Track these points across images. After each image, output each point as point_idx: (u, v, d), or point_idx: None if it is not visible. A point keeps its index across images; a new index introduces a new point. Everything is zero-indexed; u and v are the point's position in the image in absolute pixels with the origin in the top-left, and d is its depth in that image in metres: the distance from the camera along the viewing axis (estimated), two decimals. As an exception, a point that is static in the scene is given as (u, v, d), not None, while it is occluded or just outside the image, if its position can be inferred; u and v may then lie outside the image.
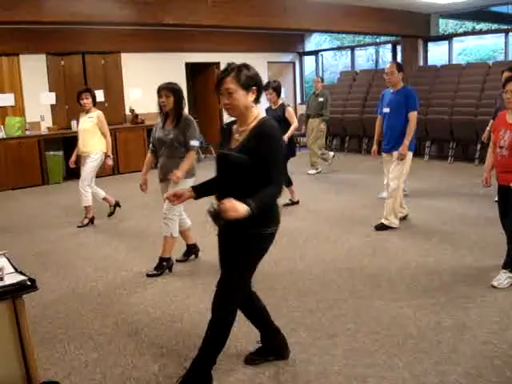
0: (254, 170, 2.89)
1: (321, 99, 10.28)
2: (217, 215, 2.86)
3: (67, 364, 3.52)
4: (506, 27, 13.06)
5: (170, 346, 3.70)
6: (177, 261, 5.43)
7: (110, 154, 7.12)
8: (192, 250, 5.58)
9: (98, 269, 5.41)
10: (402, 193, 6.45)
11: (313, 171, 10.41)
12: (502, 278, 4.51)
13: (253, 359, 3.43)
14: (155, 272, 5.14)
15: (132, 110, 11.83)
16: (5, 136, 10.15)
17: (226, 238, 3.13)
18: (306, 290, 4.62)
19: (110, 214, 7.50)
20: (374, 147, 6.85)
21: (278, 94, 7.49)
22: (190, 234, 5.54)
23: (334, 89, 14.27)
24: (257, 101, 2.99)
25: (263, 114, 3.06)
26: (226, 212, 2.65)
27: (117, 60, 11.97)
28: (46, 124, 11.07)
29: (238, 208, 2.66)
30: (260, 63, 14.05)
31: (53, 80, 11.14)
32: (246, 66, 2.94)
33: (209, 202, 2.98)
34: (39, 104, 10.97)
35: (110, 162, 7.14)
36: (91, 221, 7.24)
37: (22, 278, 2.37)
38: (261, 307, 3.40)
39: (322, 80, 10.82)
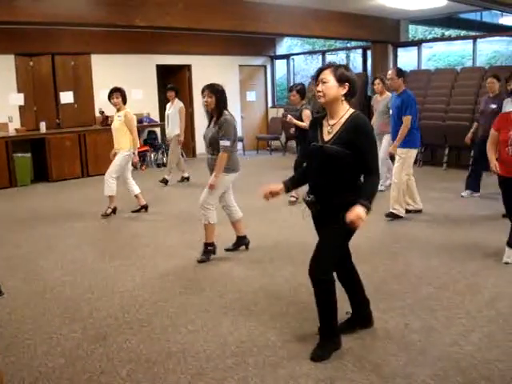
0: (349, 161, 3.23)
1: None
2: (314, 203, 3.39)
3: (34, 369, 3.47)
4: (474, 34, 13.32)
5: (138, 351, 3.67)
6: (225, 250, 5.71)
7: (135, 151, 7.54)
8: (241, 242, 5.81)
9: (67, 273, 5.34)
10: (404, 186, 6.89)
11: None
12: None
13: (343, 329, 3.68)
14: (204, 257, 5.48)
15: (102, 112, 11.71)
16: (-29, 137, 9.97)
17: (323, 218, 3.45)
18: (276, 293, 4.62)
19: (135, 211, 7.78)
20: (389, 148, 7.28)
21: (302, 96, 7.82)
22: (240, 226, 5.77)
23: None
24: (348, 97, 3.30)
25: (353, 109, 3.33)
26: (355, 224, 3.09)
27: (87, 61, 11.83)
28: (14, 125, 10.88)
29: (361, 215, 3.07)
30: (231, 66, 14.08)
31: (21, 81, 10.96)
32: (345, 67, 3.33)
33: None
34: (7, 105, 10.77)
35: (134, 159, 7.60)
36: (113, 211, 7.63)
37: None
38: (357, 279, 3.82)
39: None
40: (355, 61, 17.10)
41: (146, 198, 7.98)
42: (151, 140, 12.68)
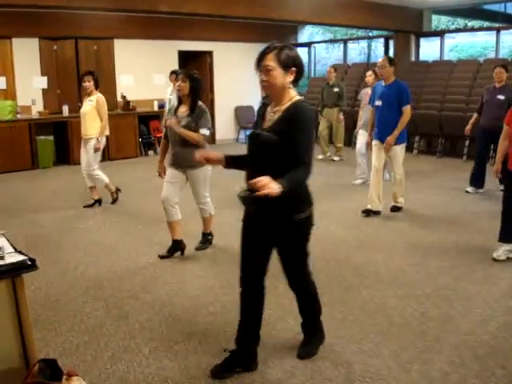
0: (284, 151, 2.86)
1: (336, 89, 10.44)
2: (249, 200, 2.85)
3: (59, 346, 3.58)
4: (497, 25, 13.18)
5: (159, 330, 3.76)
6: (160, 257, 5.29)
7: (100, 137, 7.16)
8: (177, 247, 5.34)
9: (89, 253, 5.46)
10: (404, 181, 6.76)
11: (337, 158, 10.88)
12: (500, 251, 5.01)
13: (219, 372, 3.20)
14: (202, 245, 5.53)
15: (123, 97, 11.81)
16: (-4, 119, 10.12)
17: (260, 222, 3.07)
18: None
19: (113, 202, 7.52)
20: (368, 139, 6.98)
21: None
22: (178, 229, 5.30)
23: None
24: (295, 83, 2.97)
25: (299, 97, 3.00)
26: (260, 188, 2.60)
27: (109, 46, 11.91)
28: (37, 108, 11.01)
29: (271, 185, 2.61)
30: (253, 53, 13.91)
31: (45, 64, 11.08)
32: (288, 47, 2.93)
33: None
34: (31, 88, 10.90)
35: (97, 144, 7.13)
36: (116, 193, 7.51)
37: (22, 257, 2.42)
38: (262, 305, 3.29)
39: (335, 70, 10.90)
40: (377, 50, 17.03)
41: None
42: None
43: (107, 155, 11.16)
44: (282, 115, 2.93)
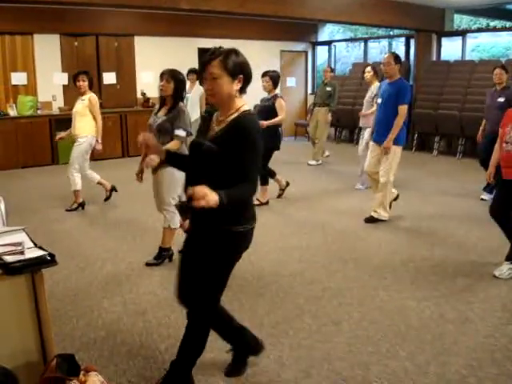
0: (225, 163, 2.65)
1: (329, 89, 10.22)
2: (184, 208, 2.77)
3: (76, 340, 3.60)
4: (520, 25, 13.03)
5: (177, 327, 3.76)
6: (180, 252, 5.33)
7: (99, 138, 7.05)
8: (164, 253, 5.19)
9: (107, 249, 5.49)
10: (391, 187, 6.37)
11: (314, 162, 10.41)
12: (504, 269, 4.66)
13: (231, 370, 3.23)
14: (155, 261, 5.08)
15: (143, 94, 11.88)
16: (17, 115, 10.22)
17: (195, 233, 2.88)
18: (311, 278, 4.68)
19: (106, 199, 7.39)
20: (368, 139, 6.94)
21: (275, 85, 7.40)
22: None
23: (346, 80, 14.28)
24: (242, 91, 2.74)
25: (247, 107, 2.76)
26: (196, 198, 2.37)
27: (130, 43, 11.99)
28: (58, 104, 11.12)
29: (209, 197, 2.38)
30: (273, 51, 14.07)
31: (66, 60, 11.17)
32: (235, 52, 2.69)
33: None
34: (51, 84, 11.01)
35: (98, 146, 7.06)
36: (81, 205, 7.16)
37: (42, 252, 2.44)
38: (224, 316, 3.19)
39: (332, 70, 10.79)
40: (398, 49, 16.90)
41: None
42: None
43: (126, 152, 11.24)
44: (227, 126, 2.71)
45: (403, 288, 4.44)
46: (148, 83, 12.13)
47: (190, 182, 2.72)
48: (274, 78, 7.35)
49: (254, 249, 5.38)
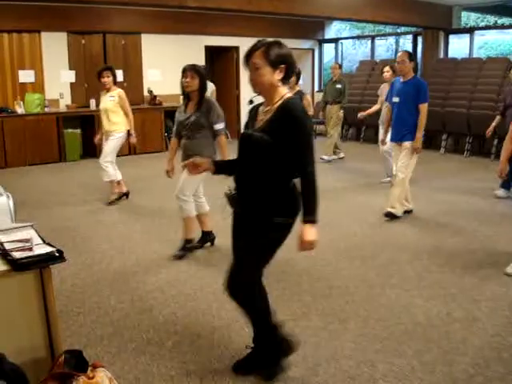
0: (277, 152, 2.75)
1: (339, 86, 10.19)
2: (234, 198, 2.89)
3: (83, 337, 3.62)
4: (528, 23, 12.96)
5: (183, 324, 3.78)
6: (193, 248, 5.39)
7: (132, 131, 7.22)
8: (207, 238, 5.44)
9: (115, 246, 5.51)
10: (408, 184, 6.41)
11: (326, 157, 10.41)
12: None
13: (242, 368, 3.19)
14: (181, 253, 5.16)
15: (150, 91, 11.89)
16: (24, 112, 10.26)
17: (242, 223, 3.00)
18: (318, 275, 4.68)
19: (111, 203, 7.30)
20: (382, 137, 6.93)
21: (297, 80, 7.49)
22: (207, 221, 5.40)
23: (353, 78, 14.24)
24: (285, 80, 2.83)
25: (290, 94, 2.87)
26: (306, 249, 2.75)
27: (137, 41, 12.00)
28: (65, 102, 11.16)
29: (313, 239, 2.73)
30: (279, 49, 14.04)
31: (73, 58, 11.20)
32: (277, 43, 2.81)
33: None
34: (59, 82, 11.04)
35: (133, 139, 7.27)
36: (126, 195, 7.43)
37: (50, 249, 2.45)
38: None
39: (340, 67, 10.76)
40: (405, 47, 16.86)
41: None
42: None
43: (133, 149, 11.25)
44: (273, 115, 2.80)
45: (410, 286, 4.43)
46: (155, 81, 12.15)
47: (240, 174, 2.92)
48: (298, 75, 7.41)
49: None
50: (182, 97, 5.17)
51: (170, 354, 3.38)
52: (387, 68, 8.26)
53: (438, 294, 4.27)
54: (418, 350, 3.40)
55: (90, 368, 2.44)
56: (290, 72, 2.82)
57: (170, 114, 12.16)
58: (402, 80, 6.27)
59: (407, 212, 6.57)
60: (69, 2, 9.48)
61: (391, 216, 6.34)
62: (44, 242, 2.57)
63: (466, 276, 4.65)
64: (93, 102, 11.02)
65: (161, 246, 5.48)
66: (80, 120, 11.13)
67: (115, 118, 7.10)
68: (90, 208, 7.04)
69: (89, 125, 10.99)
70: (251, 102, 3.06)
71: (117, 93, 7.11)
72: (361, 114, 9.24)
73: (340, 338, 3.56)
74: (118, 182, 7.38)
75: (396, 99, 6.29)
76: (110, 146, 7.16)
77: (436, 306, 4.06)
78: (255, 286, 3.02)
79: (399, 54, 6.32)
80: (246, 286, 3.00)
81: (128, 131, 7.21)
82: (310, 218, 2.72)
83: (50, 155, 10.42)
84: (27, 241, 2.53)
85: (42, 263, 2.38)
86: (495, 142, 10.32)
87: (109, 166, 7.17)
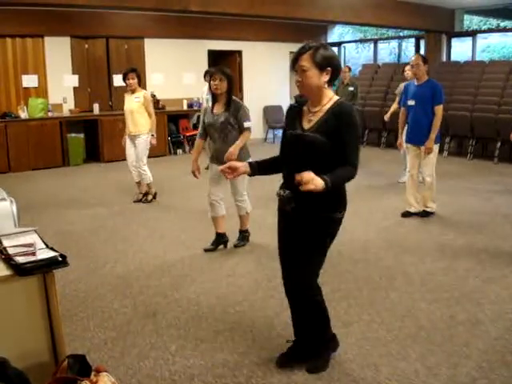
0: (330, 151, 2.87)
1: (351, 88, 10.22)
2: (289, 199, 2.97)
3: (87, 341, 3.62)
4: (530, 25, 12.95)
5: (187, 328, 3.77)
6: (205, 250, 5.46)
7: (154, 133, 7.38)
8: (221, 240, 5.54)
9: (118, 250, 5.52)
10: (435, 184, 6.63)
11: None
12: None
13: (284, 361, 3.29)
14: (241, 242, 5.59)
15: (153, 95, 11.88)
16: (27, 117, 10.28)
17: (295, 221, 3.06)
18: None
19: (138, 200, 7.59)
20: (400, 140, 7.04)
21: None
22: (222, 223, 5.50)
23: (356, 81, 14.23)
24: (331, 82, 2.95)
25: (337, 96, 3.00)
26: (304, 183, 2.64)
27: (140, 45, 12.04)
28: (69, 106, 11.18)
29: (316, 181, 2.65)
30: (282, 53, 14.08)
31: (76, 63, 11.24)
32: (323, 46, 2.91)
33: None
34: (62, 86, 11.07)
35: (153, 141, 7.38)
36: (154, 197, 7.59)
37: (53, 253, 2.45)
38: None
39: (350, 69, 10.78)
40: (407, 50, 16.87)
41: (194, 180, 8.05)
42: (200, 124, 12.81)
43: (136, 153, 11.27)
44: (326, 115, 2.91)
45: (413, 289, 4.42)
46: (158, 85, 12.18)
47: (289, 175, 2.95)
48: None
49: (265, 250, 5.43)
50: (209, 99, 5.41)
51: (173, 359, 3.38)
52: (408, 67, 8.23)
53: (441, 296, 4.26)
54: (421, 354, 3.39)
55: (93, 372, 2.44)
56: (336, 74, 2.94)
57: (172, 118, 12.20)
58: (416, 83, 6.38)
59: (415, 214, 6.66)
60: (72, 7, 9.49)
61: (427, 214, 6.62)
62: (47, 246, 2.57)
63: (469, 279, 4.65)
64: (96, 107, 11.06)
65: (164, 251, 5.48)
66: (83, 124, 11.16)
67: (140, 119, 7.28)
68: (94, 212, 7.04)
69: (92, 129, 11.02)
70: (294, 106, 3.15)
71: (142, 94, 7.29)
72: (386, 117, 9.24)
73: (343, 341, 3.54)
74: (139, 183, 7.61)
75: (412, 102, 6.41)
76: (141, 150, 7.36)
77: (439, 308, 4.05)
78: (317, 283, 3.17)
79: (413, 57, 6.45)
80: (310, 285, 3.13)
81: (152, 133, 7.40)
82: (326, 179, 2.69)
83: (54, 160, 10.43)
84: (30, 245, 2.53)
85: (45, 268, 2.38)
86: (498, 144, 10.32)
87: (145, 168, 7.38)
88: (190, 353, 3.44)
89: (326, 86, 2.93)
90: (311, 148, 2.90)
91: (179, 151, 12.29)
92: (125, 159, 10.43)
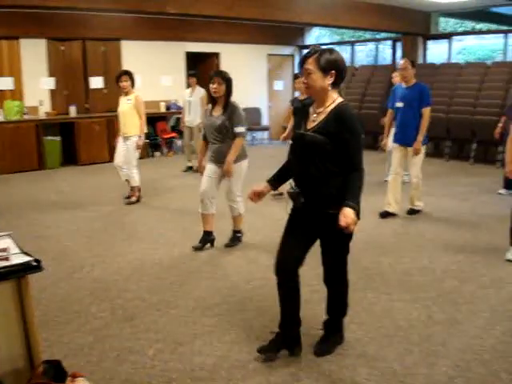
0: (330, 151, 3.04)
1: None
2: (297, 195, 3.15)
3: (64, 346, 3.58)
4: (505, 28, 13.13)
5: (165, 332, 3.75)
6: (193, 248, 5.53)
7: (141, 134, 7.47)
8: (207, 238, 5.60)
9: (95, 254, 5.46)
10: (421, 183, 6.77)
11: None
12: None
13: (266, 351, 3.38)
14: (232, 243, 5.63)
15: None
16: (3, 120, 10.15)
17: (308, 216, 3.22)
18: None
19: (127, 199, 7.69)
20: (384, 141, 7.23)
21: None
22: (211, 221, 5.57)
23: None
24: (335, 85, 3.09)
25: (341, 99, 3.13)
26: (348, 229, 2.94)
27: (117, 47, 11.95)
28: (45, 109, 11.05)
29: (353, 219, 2.94)
30: (260, 55, 14.10)
31: (53, 65, 11.13)
32: (329, 51, 3.08)
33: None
34: (38, 89, 10.94)
35: (139, 142, 7.43)
36: (138, 199, 7.63)
37: (27, 258, 2.42)
38: (298, 295, 3.39)
39: None
40: (384, 52, 16.99)
41: (173, 183, 8.06)
42: (178, 127, 12.75)
43: (114, 156, 11.18)
44: (327, 116, 3.07)
45: (391, 290, 4.45)
46: (135, 87, 12.07)
47: (297, 173, 3.23)
48: None
49: (242, 251, 5.42)
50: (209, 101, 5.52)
51: (151, 363, 3.36)
52: (396, 74, 8.62)
53: (418, 297, 4.30)
54: (399, 354, 3.42)
55: (69, 378, 2.41)
56: (340, 77, 3.10)
57: (150, 120, 12.10)
58: (404, 86, 6.58)
59: (391, 214, 6.73)
60: (47, 9, 9.39)
61: (414, 212, 6.82)
62: (22, 251, 2.54)
63: (446, 279, 4.69)
64: (73, 109, 10.97)
65: (142, 254, 5.45)
66: (60, 127, 11.02)
67: (131, 120, 7.36)
68: (70, 216, 6.97)
69: (69, 132, 10.91)
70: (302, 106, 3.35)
71: (134, 96, 7.39)
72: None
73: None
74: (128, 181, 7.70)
75: (400, 104, 6.58)
76: (130, 151, 7.42)
77: (417, 309, 4.08)
78: (345, 278, 3.43)
79: (402, 61, 6.68)
80: (343, 279, 3.41)
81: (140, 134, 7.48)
82: (351, 202, 2.96)
83: (30, 163, 10.31)
84: (4, 250, 2.50)
85: (18, 273, 2.35)
86: (474, 146, 10.44)
87: (134, 170, 7.48)
88: (169, 356, 3.42)
89: (330, 88, 3.08)
90: (312, 147, 3.08)
91: (157, 154, 12.23)
92: (102, 162, 10.43)
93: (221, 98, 5.25)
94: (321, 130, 3.05)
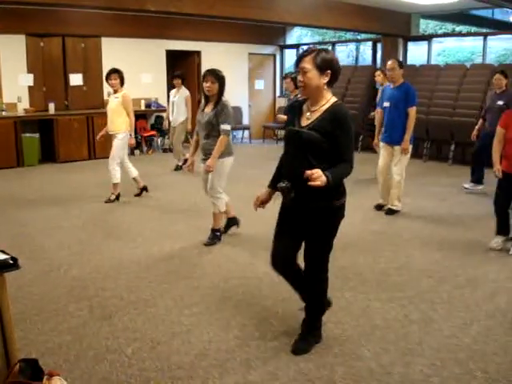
0: (324, 148, 3.10)
1: None
2: (288, 190, 3.17)
3: (41, 345, 3.55)
4: (485, 31, 13.28)
5: (143, 331, 3.75)
6: (219, 234, 5.73)
7: (131, 132, 7.52)
8: (230, 223, 5.97)
9: (73, 252, 5.43)
10: (403, 183, 6.90)
11: None
12: (499, 241, 5.45)
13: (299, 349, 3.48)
14: (211, 242, 5.64)
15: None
16: (-19, 116, 10.03)
17: (297, 212, 3.30)
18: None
19: (137, 195, 7.87)
20: (376, 140, 7.29)
21: (296, 85, 7.64)
22: (229, 209, 5.83)
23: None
24: (330, 84, 3.17)
25: (335, 98, 3.21)
26: (313, 179, 2.89)
27: (97, 44, 11.84)
28: (23, 106, 10.92)
29: (322, 177, 2.90)
30: (241, 54, 14.09)
31: (31, 61, 10.99)
32: (325, 51, 3.16)
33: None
34: (17, 85, 10.80)
35: (131, 140, 7.55)
36: (117, 197, 7.61)
37: (4, 256, 2.41)
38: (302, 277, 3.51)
39: None
40: (365, 53, 17.11)
41: (154, 181, 8.03)
42: (158, 125, 12.71)
43: (93, 154, 11.12)
44: (322, 115, 3.14)
45: (368, 289, 4.49)
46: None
47: (289, 169, 3.27)
48: (295, 80, 7.62)
49: (220, 252, 5.43)
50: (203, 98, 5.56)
51: (129, 361, 3.35)
52: (378, 72, 8.87)
53: (395, 296, 4.34)
54: (376, 353, 3.45)
55: (45, 377, 2.40)
56: (335, 77, 3.19)
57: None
58: (391, 86, 6.71)
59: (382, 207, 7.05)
60: (27, 4, 9.30)
61: (392, 212, 6.89)
62: (-2, 249, 2.53)
63: (423, 278, 4.74)
64: (52, 106, 10.86)
65: (120, 252, 5.43)
66: (38, 124, 10.91)
67: (117, 118, 7.39)
68: (48, 213, 6.91)
69: (47, 129, 10.81)
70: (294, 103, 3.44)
71: (121, 94, 7.39)
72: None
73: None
74: (135, 179, 7.79)
75: (387, 104, 6.73)
76: (115, 148, 7.47)
77: (394, 308, 4.12)
78: (325, 276, 3.48)
79: (389, 62, 6.75)
80: (323, 276, 3.46)
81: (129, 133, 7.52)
82: (328, 175, 2.94)
83: (7, 160, 10.17)
84: (-20, 248, 2.48)
85: (-5, 271, 2.34)
86: (452, 147, 10.53)
87: (116, 167, 7.47)
88: (146, 355, 3.42)
89: (326, 87, 3.17)
90: (307, 144, 3.12)
91: (136, 152, 12.16)
92: (81, 160, 10.35)
93: (213, 96, 5.34)
94: (316, 128, 3.11)
